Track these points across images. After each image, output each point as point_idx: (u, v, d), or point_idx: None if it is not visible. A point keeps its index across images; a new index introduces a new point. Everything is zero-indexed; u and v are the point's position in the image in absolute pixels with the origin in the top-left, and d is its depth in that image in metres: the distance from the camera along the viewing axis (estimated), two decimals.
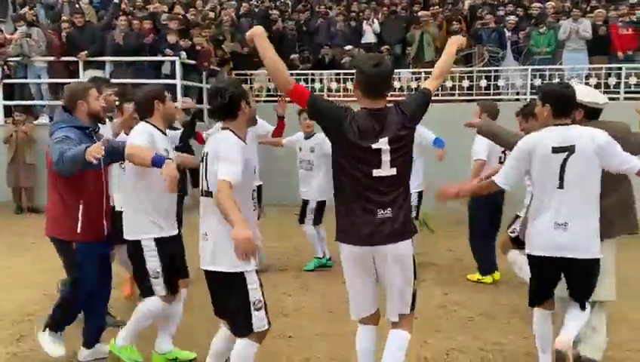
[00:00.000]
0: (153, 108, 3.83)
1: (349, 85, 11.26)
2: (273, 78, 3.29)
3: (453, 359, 4.13)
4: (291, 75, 11.24)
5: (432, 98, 3.31)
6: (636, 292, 5.64)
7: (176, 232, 3.93)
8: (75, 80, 10.30)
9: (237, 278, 3.14)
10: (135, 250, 3.77)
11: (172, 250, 3.83)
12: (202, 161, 3.24)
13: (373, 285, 3.24)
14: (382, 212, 3.03)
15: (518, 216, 5.21)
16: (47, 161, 3.84)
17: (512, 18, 11.57)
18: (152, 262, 3.73)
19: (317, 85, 11.56)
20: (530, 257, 3.61)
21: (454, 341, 4.44)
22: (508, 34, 11.36)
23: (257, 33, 3.19)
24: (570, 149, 3.39)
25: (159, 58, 10.35)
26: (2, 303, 5.34)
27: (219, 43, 11.58)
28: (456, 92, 10.94)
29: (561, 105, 3.50)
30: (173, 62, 10.31)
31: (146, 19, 10.96)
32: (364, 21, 13.04)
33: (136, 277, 3.98)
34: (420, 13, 12.28)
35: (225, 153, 3.05)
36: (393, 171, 3.05)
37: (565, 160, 3.39)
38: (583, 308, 3.58)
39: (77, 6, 12.06)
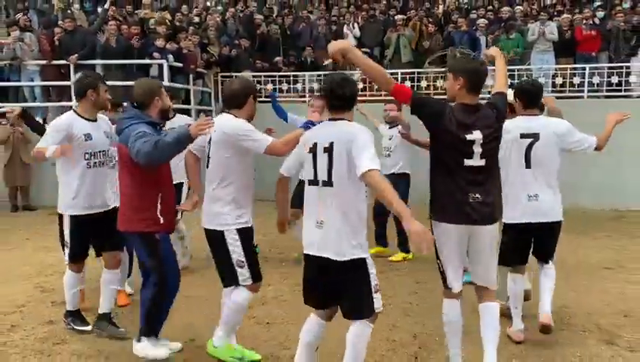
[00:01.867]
0: (246, 102, 3.65)
1: None
2: (376, 81, 3.39)
3: (421, 342, 4.18)
4: (274, 76, 11.27)
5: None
6: (587, 279, 5.78)
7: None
8: (67, 82, 10.30)
9: (360, 263, 3.07)
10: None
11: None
12: (313, 152, 3.12)
13: (464, 259, 3.46)
14: (473, 196, 3.27)
15: None
16: (120, 157, 3.68)
17: (482, 21, 11.67)
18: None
19: (299, 86, 11.59)
20: (507, 226, 4.11)
21: (422, 325, 4.50)
22: (480, 36, 11.47)
23: (347, 48, 3.22)
24: (535, 136, 4.01)
25: (147, 61, 10.32)
26: None
27: (205, 46, 11.58)
28: (431, 91, 11.01)
29: (528, 98, 4.13)
30: (160, 65, 10.28)
31: (135, 24, 10.92)
32: (345, 25, 13.10)
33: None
34: (396, 17, 12.35)
35: (364, 142, 2.96)
36: (482, 162, 3.30)
37: (530, 145, 4.00)
38: (547, 262, 4.24)
39: (68, 11, 11.99)
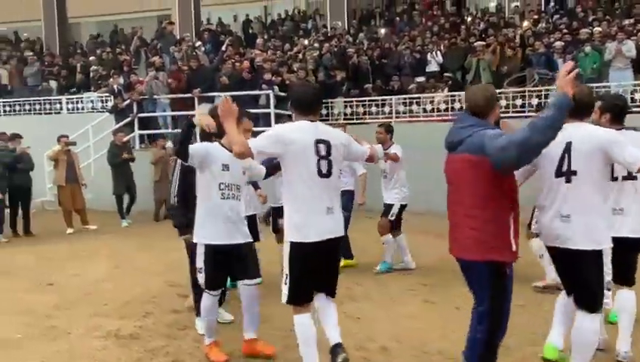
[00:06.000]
0: (591, 111, 3.22)
1: (414, 107, 11.27)
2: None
3: None
4: (364, 100, 11.16)
5: None
6: None
7: None
8: (193, 112, 10.95)
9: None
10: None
11: None
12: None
13: None
14: None
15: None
16: (464, 170, 2.81)
17: (559, 44, 11.06)
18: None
19: (387, 109, 11.54)
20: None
21: None
22: (556, 58, 10.87)
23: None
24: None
25: (256, 92, 10.75)
26: (133, 288, 5.71)
27: (304, 78, 11.88)
28: (510, 110, 10.55)
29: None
30: (267, 95, 10.67)
31: (245, 62, 11.46)
32: (429, 53, 12.92)
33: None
34: (475, 44, 11.99)
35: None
36: None
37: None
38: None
39: (194, 53, 12.78)
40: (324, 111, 12.11)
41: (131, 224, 10.06)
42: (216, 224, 3.61)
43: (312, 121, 3.21)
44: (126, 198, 10.35)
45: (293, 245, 3.14)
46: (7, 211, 9.21)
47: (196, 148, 3.55)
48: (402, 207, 6.02)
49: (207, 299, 3.71)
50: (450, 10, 17.12)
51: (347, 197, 5.91)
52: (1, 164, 8.94)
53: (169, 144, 11.34)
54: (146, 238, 8.67)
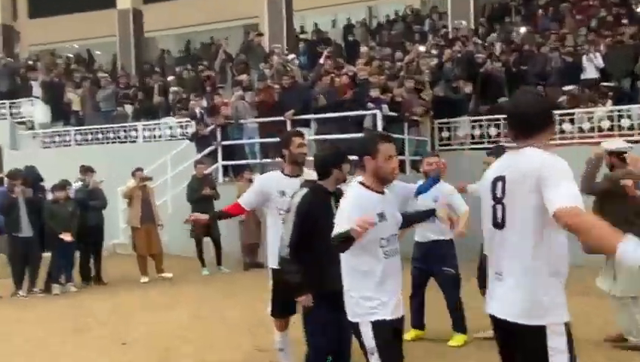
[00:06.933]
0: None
1: (565, 126, 10.84)
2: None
3: None
4: (499, 119, 10.87)
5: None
6: None
7: None
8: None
9: None
10: None
11: None
12: None
13: None
14: None
15: None
16: None
17: None
18: None
19: None
20: None
21: None
22: None
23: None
24: None
25: (360, 112, 10.89)
26: (215, 350, 5.96)
27: (418, 92, 11.91)
28: None
29: None
30: (374, 115, 10.79)
31: (344, 76, 11.79)
32: (584, 55, 12.45)
33: None
34: None
35: None
36: None
37: None
38: None
39: (287, 69, 13.32)
40: (445, 134, 12.07)
41: (217, 273, 10.47)
42: (385, 294, 3.31)
43: (532, 145, 2.72)
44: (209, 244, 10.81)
45: None
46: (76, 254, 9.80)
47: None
48: None
49: None
50: (612, 0, 16.44)
51: (447, 250, 5.88)
52: (74, 200, 9.62)
53: (254, 177, 11.81)
54: (230, 286, 9.10)
